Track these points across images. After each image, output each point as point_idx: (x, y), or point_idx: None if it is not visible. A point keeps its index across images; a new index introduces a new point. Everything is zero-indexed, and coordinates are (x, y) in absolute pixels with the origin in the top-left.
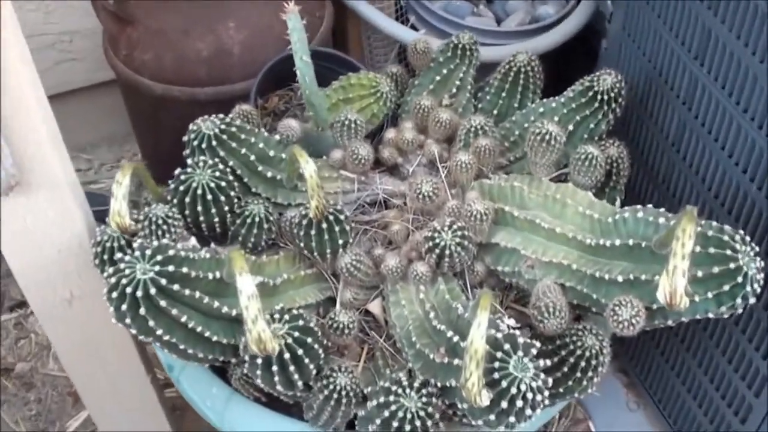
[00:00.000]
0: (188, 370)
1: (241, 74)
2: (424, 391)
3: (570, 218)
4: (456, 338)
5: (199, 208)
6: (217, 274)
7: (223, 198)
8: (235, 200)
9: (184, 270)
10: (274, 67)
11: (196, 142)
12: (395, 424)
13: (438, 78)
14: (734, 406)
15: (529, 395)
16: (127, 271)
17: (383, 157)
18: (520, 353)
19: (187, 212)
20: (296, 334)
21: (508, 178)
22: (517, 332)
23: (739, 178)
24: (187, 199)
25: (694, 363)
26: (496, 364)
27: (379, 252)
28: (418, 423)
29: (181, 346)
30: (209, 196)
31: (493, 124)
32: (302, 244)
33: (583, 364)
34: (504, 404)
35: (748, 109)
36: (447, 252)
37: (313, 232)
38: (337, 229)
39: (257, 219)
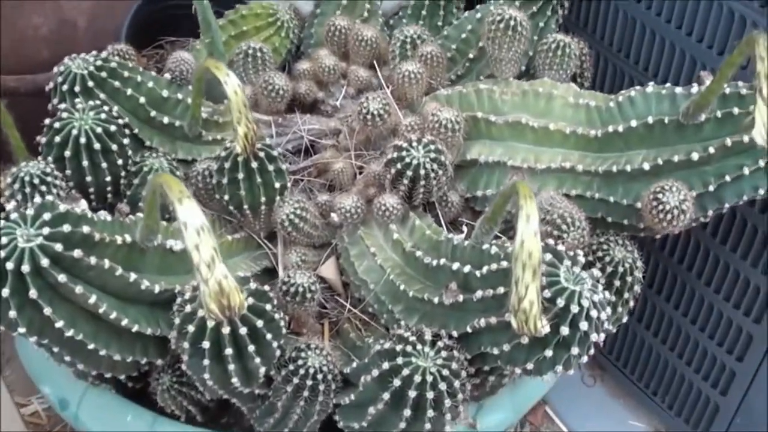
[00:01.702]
0: (90, 398)
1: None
2: (439, 344)
3: (560, 113)
4: (468, 268)
5: (85, 163)
6: (128, 238)
7: (114, 147)
8: (128, 152)
9: (85, 230)
10: (138, 13)
11: (65, 87)
12: (411, 394)
13: (344, 3)
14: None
15: (593, 312)
16: (2, 240)
17: (300, 94)
18: (567, 263)
19: (68, 171)
20: (250, 300)
21: (468, 85)
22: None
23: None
24: (68, 153)
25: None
26: (544, 280)
27: (324, 198)
28: (443, 386)
29: (90, 346)
30: (96, 145)
31: (429, 34)
32: (226, 197)
33: (617, 283)
34: (564, 330)
35: None
36: (422, 172)
37: (240, 175)
38: (271, 168)
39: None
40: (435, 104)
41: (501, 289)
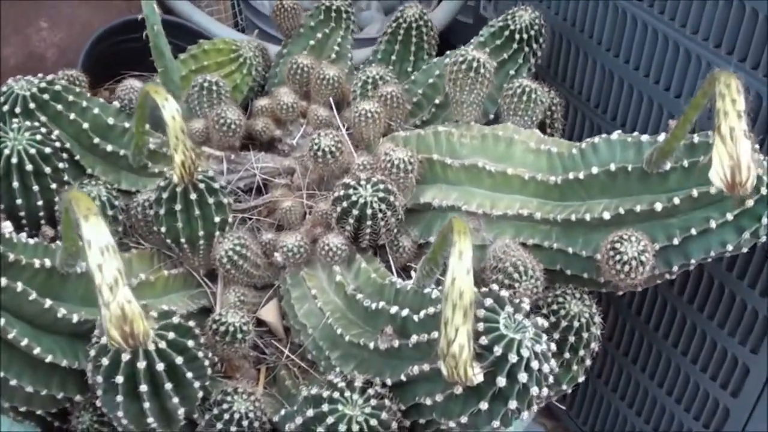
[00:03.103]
0: None
1: None
2: (370, 391)
3: (520, 158)
4: (405, 312)
5: (15, 185)
6: (47, 263)
7: (48, 170)
8: (65, 177)
9: None
10: (96, 46)
11: (6, 107)
12: None
13: (312, 43)
14: None
15: (534, 363)
16: None
17: (256, 131)
18: (509, 309)
19: None
20: (170, 335)
21: (427, 128)
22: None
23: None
24: None
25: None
26: (481, 326)
27: (268, 237)
28: None
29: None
30: (28, 167)
31: (393, 75)
32: (163, 230)
33: (572, 339)
34: (501, 381)
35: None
36: (368, 211)
37: (178, 206)
38: (210, 200)
39: (97, 202)
40: (390, 144)
41: (435, 334)
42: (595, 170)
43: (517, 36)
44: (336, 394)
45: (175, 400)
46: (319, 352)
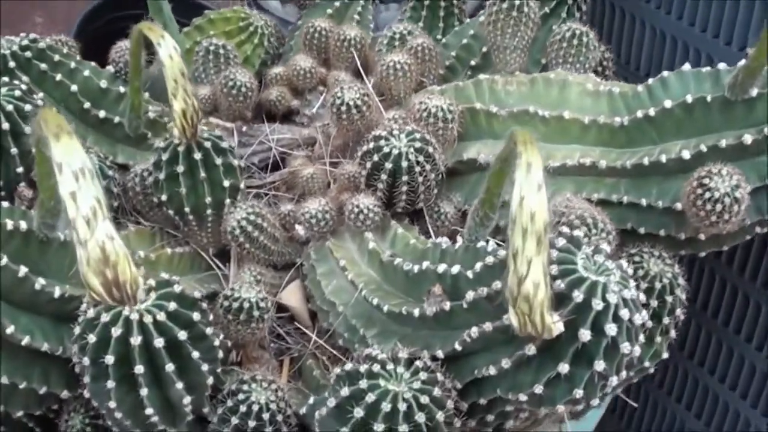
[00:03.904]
0: None
1: None
2: (418, 364)
3: (576, 102)
4: (456, 268)
5: None
6: (23, 225)
7: (28, 130)
8: None
9: None
10: (93, 21)
11: None
12: (378, 429)
13: (330, 12)
14: None
15: (624, 312)
16: None
17: (270, 101)
18: (587, 249)
19: None
20: (171, 305)
21: (466, 80)
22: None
23: None
24: None
25: None
26: (555, 268)
27: (287, 208)
28: (421, 418)
29: None
30: (5, 125)
31: (422, 30)
32: (164, 198)
33: (654, 303)
34: (585, 333)
35: None
36: (404, 164)
37: (180, 168)
38: (218, 161)
39: None
40: (424, 94)
41: (498, 284)
42: (668, 104)
43: None
44: (377, 367)
45: (179, 385)
46: (352, 333)
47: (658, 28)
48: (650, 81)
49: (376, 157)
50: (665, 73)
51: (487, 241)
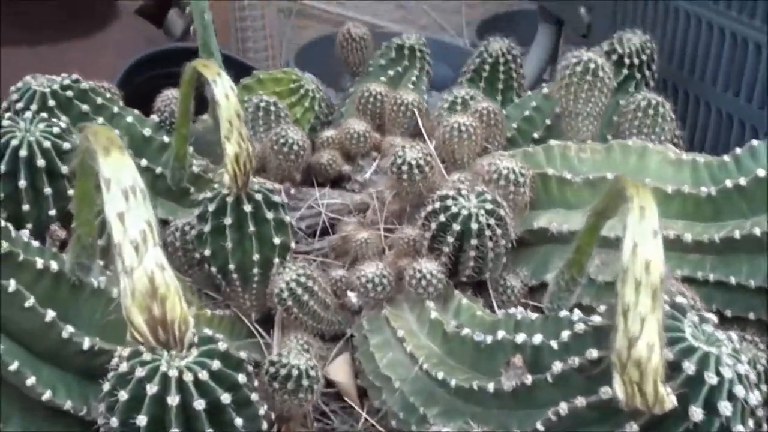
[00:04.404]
0: None
1: None
2: None
3: (656, 170)
4: (538, 338)
5: (23, 184)
6: (53, 265)
7: (66, 171)
8: None
9: None
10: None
11: (20, 104)
12: None
13: (384, 80)
14: None
15: (738, 390)
16: None
17: (320, 165)
18: (694, 317)
19: (1, 192)
20: (215, 364)
21: (534, 146)
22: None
23: None
24: (1, 168)
25: None
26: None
27: (339, 274)
28: None
29: None
30: (40, 162)
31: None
32: (208, 253)
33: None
34: (697, 413)
35: None
36: (473, 226)
37: (228, 220)
38: (269, 215)
39: None
40: (492, 156)
41: (594, 353)
42: (762, 173)
43: (627, 61)
44: None
45: None
46: (409, 412)
47: (724, 111)
48: (738, 150)
49: (442, 218)
50: (754, 142)
51: (572, 311)
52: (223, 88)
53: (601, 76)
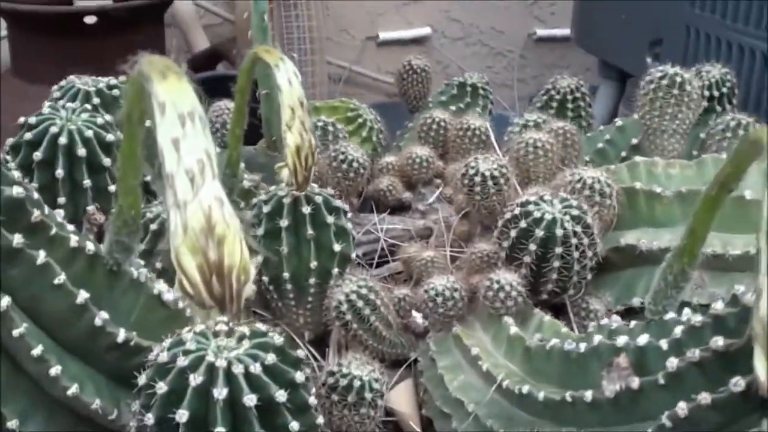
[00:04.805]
0: None
1: None
2: None
3: (755, 182)
4: (644, 339)
5: (59, 173)
6: (90, 246)
7: (107, 162)
8: None
9: (16, 193)
10: None
11: (62, 102)
12: None
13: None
14: None
15: None
16: None
17: (379, 190)
18: None
19: (35, 183)
20: (270, 358)
21: (618, 164)
22: None
23: None
24: (38, 155)
25: None
26: None
27: (402, 293)
28: None
29: None
30: (80, 151)
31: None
32: (260, 259)
33: None
34: None
35: None
36: (558, 231)
37: (284, 222)
38: (330, 219)
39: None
40: (573, 169)
41: (720, 341)
42: None
43: (707, 93)
44: None
45: None
46: None
47: None
48: None
49: (523, 224)
50: None
51: (680, 311)
52: (286, 72)
53: (688, 90)
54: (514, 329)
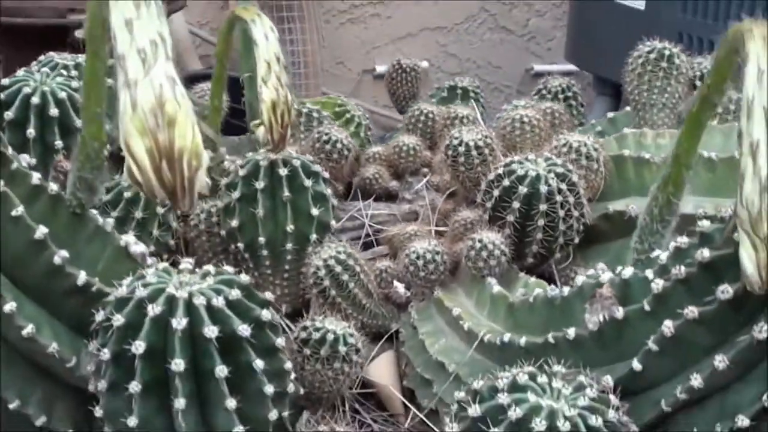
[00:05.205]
0: None
1: None
2: (583, 379)
3: None
4: (629, 271)
5: (31, 133)
6: (53, 187)
7: (79, 122)
8: None
9: None
10: None
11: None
12: None
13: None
14: None
15: None
16: None
17: (366, 180)
18: None
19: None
20: (234, 293)
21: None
22: None
23: None
24: (9, 114)
25: None
26: None
27: (385, 264)
28: None
29: None
30: (53, 111)
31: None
32: (235, 224)
33: None
34: None
35: None
36: (542, 188)
37: (260, 184)
38: (308, 182)
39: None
40: (559, 135)
41: (705, 252)
42: None
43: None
44: (523, 378)
45: (230, 404)
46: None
47: None
48: None
49: (506, 182)
50: None
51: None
52: (262, 28)
53: (677, 64)
54: (497, 288)
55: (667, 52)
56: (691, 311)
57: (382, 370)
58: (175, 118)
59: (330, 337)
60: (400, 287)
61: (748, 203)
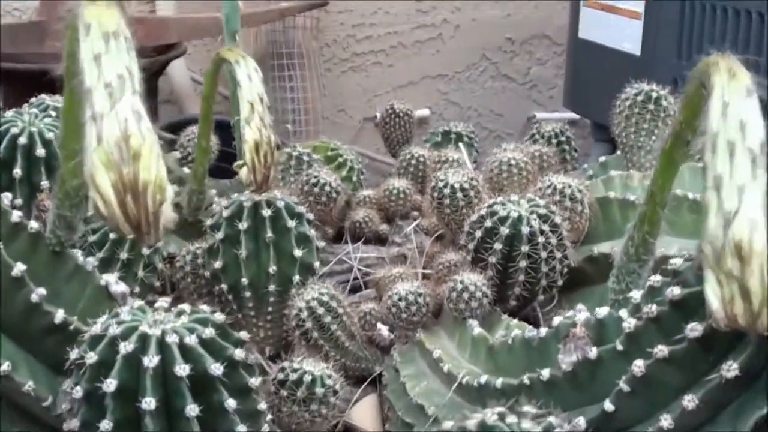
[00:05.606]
0: None
1: None
2: (552, 420)
3: None
4: (604, 311)
5: (18, 173)
6: (33, 224)
7: None
8: None
9: None
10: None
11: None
12: None
13: None
14: None
15: None
16: None
17: (356, 223)
18: None
19: None
20: (207, 332)
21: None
22: None
23: None
24: None
25: None
26: None
27: (369, 307)
28: None
29: None
30: (40, 151)
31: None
32: (218, 265)
33: None
34: None
35: None
36: (524, 230)
37: (243, 225)
38: (291, 224)
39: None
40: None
41: (676, 290)
42: None
43: None
44: (495, 419)
45: None
46: None
47: None
48: None
49: (489, 223)
50: None
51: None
52: (246, 68)
53: (664, 106)
54: (477, 330)
55: (654, 94)
56: (661, 350)
57: (364, 414)
58: (139, 151)
59: (307, 378)
60: (383, 329)
61: (712, 238)
